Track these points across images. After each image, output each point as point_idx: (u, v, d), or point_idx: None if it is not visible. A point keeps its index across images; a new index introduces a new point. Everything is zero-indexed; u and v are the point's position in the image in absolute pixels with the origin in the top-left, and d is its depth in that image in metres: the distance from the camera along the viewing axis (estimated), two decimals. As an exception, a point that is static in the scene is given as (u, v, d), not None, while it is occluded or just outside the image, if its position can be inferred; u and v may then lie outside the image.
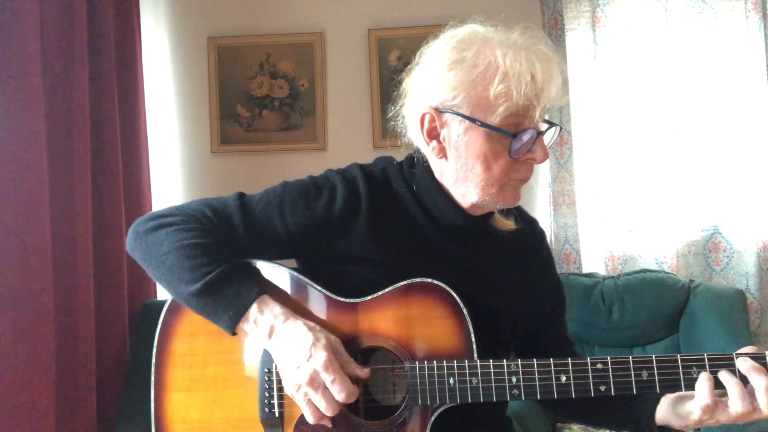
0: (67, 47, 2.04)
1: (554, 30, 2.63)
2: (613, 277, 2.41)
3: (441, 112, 1.00)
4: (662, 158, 2.52)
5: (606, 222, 2.56)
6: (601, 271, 2.55)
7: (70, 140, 2.04)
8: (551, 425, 2.22)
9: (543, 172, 2.73)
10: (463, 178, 1.02)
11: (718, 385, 0.93)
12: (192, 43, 2.83)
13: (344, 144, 2.79)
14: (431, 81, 1.01)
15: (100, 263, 2.15)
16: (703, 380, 0.92)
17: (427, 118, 1.02)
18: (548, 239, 2.70)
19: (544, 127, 1.01)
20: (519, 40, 0.99)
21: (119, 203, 2.27)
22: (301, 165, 2.76)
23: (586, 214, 2.58)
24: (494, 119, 0.97)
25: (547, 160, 2.62)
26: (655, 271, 2.40)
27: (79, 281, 2.03)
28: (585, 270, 2.56)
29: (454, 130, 1.00)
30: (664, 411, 1.01)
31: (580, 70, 2.55)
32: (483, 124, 0.97)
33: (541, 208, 2.74)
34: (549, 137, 1.02)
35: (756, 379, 0.90)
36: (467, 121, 0.98)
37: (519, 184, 1.03)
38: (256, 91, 2.81)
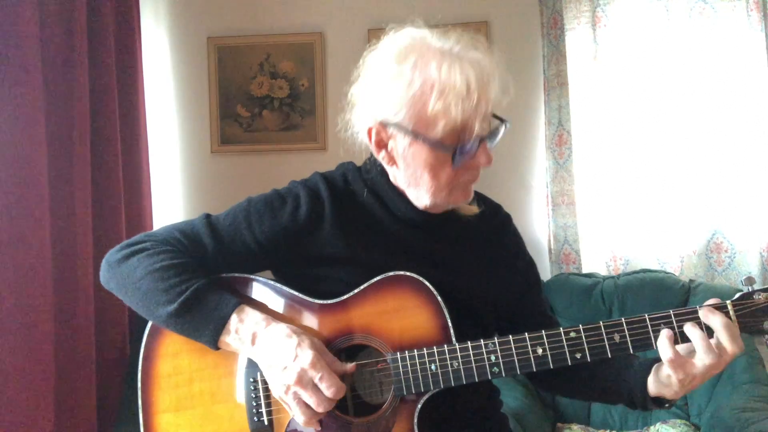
0: (67, 47, 2.04)
1: (554, 30, 2.62)
2: (613, 277, 2.40)
3: (385, 125, 1.03)
4: (663, 158, 2.51)
5: (606, 222, 2.56)
6: (602, 271, 2.54)
7: (70, 140, 2.04)
8: (551, 425, 2.22)
9: (542, 172, 2.72)
10: (414, 184, 1.06)
11: (685, 339, 0.96)
12: (192, 43, 2.83)
13: (344, 144, 2.78)
14: (374, 95, 1.04)
15: (100, 262, 2.13)
16: (663, 337, 0.95)
17: (373, 131, 1.05)
18: (548, 239, 2.71)
19: (494, 124, 1.03)
20: (455, 48, 1.00)
21: (119, 203, 2.27)
22: (301, 165, 2.75)
23: (586, 214, 2.57)
24: (435, 134, 0.99)
25: (547, 160, 2.65)
26: (655, 271, 2.40)
27: (79, 280, 2.03)
28: (585, 270, 2.56)
29: (400, 142, 1.04)
30: (653, 383, 1.03)
31: (580, 70, 2.55)
32: (424, 140, 1.00)
33: (540, 208, 2.74)
34: (495, 135, 1.04)
35: (713, 320, 0.95)
36: (410, 136, 1.01)
37: (468, 185, 1.07)
38: (256, 91, 2.81)
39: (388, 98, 1.01)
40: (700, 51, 2.48)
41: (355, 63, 1.06)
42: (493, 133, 1.04)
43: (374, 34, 2.73)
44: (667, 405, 1.05)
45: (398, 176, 1.09)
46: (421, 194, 1.06)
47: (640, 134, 2.54)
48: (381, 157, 1.07)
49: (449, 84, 0.97)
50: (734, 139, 2.47)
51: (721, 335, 0.94)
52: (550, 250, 2.70)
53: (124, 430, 2.13)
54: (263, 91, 2.81)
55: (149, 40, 2.67)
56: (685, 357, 0.95)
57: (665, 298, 2.26)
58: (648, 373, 1.04)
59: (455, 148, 1.00)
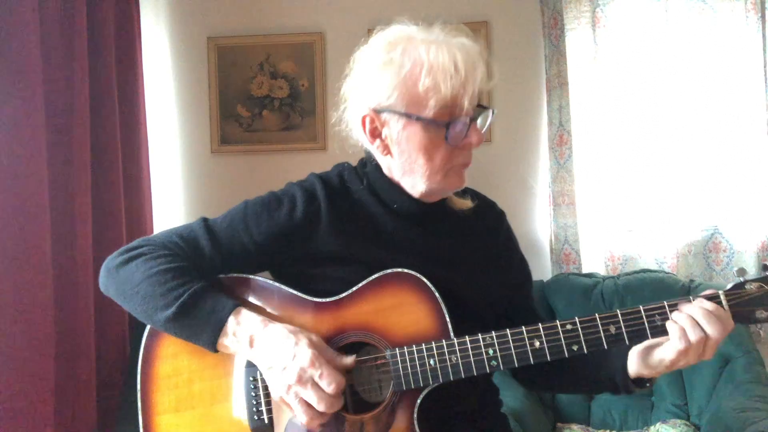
0: (67, 47, 2.04)
1: (554, 30, 2.63)
2: (613, 277, 2.41)
3: (379, 112, 1.06)
4: (662, 158, 2.52)
5: (606, 222, 2.56)
6: (601, 271, 2.55)
7: (70, 140, 2.04)
8: (551, 425, 2.22)
9: (543, 172, 2.73)
10: (409, 170, 1.09)
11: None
12: (192, 43, 2.83)
13: (344, 144, 2.78)
14: (366, 84, 1.07)
15: (100, 262, 2.13)
16: (672, 323, 1.00)
17: (367, 119, 1.08)
18: (548, 239, 2.71)
19: (479, 111, 1.07)
20: (440, 36, 1.06)
21: (119, 203, 2.27)
22: (301, 165, 2.75)
23: (586, 214, 2.58)
24: (428, 112, 1.03)
25: (547, 160, 2.66)
26: (655, 271, 2.40)
27: (79, 280, 2.03)
28: (585, 270, 2.56)
29: (394, 127, 1.06)
30: (634, 365, 1.05)
31: (580, 70, 2.55)
32: (418, 119, 1.03)
33: (541, 208, 2.74)
34: (483, 121, 1.09)
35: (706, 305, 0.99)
36: (404, 118, 1.04)
37: (461, 168, 1.10)
38: (256, 91, 2.81)
39: (379, 84, 1.04)
40: (699, 51, 2.49)
41: (355, 63, 1.07)
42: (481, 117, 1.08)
43: (374, 34, 2.75)
44: (648, 384, 1.08)
45: (393, 166, 1.11)
46: (416, 180, 1.09)
47: (639, 134, 2.55)
48: (375, 146, 1.10)
49: (437, 62, 1.01)
50: (733, 140, 2.48)
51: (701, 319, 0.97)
52: (551, 250, 2.70)
53: (124, 430, 2.13)
54: (263, 91, 2.81)
55: (149, 40, 2.67)
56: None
57: (665, 298, 2.25)
58: (625, 357, 1.06)
59: (447, 124, 1.03)
